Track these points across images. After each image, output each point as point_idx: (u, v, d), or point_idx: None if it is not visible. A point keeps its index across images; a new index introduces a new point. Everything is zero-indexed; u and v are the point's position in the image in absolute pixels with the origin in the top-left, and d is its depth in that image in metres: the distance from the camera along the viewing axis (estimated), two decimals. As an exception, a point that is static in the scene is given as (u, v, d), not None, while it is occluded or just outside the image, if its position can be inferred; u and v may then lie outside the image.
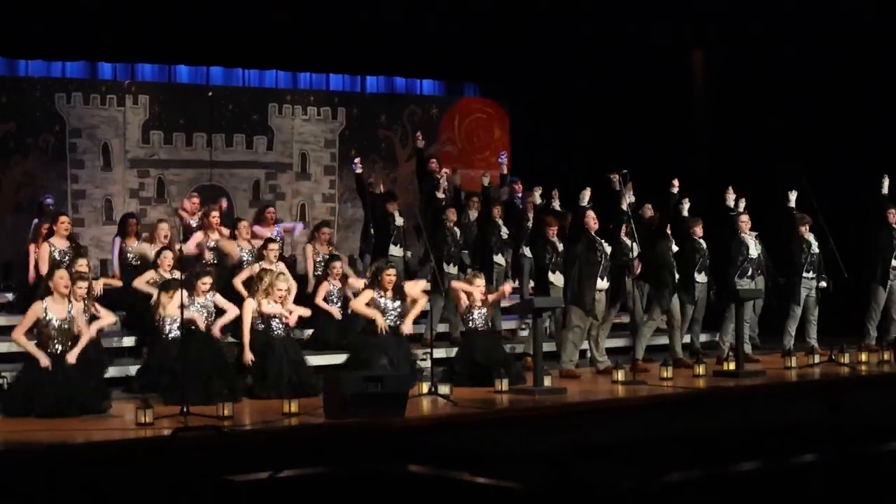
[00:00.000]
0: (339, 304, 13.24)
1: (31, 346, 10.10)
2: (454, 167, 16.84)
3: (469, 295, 12.43)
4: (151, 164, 17.01)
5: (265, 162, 17.81)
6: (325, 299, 13.16)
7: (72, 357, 10.14)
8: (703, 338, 14.80)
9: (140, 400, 9.78)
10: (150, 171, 17.01)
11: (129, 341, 12.61)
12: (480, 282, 12.60)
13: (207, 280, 11.37)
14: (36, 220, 14.08)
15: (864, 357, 13.76)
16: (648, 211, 14.72)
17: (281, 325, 11.55)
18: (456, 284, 12.86)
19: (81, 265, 11.53)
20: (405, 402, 10.09)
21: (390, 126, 18.70)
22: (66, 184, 16.35)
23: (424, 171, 15.45)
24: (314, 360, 12.22)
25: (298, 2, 15.82)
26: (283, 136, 17.92)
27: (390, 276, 12.00)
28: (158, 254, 12.53)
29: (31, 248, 13.10)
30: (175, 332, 10.98)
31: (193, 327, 11.02)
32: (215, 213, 13.96)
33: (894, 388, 12.97)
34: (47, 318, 10.08)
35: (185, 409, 9.69)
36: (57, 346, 10.12)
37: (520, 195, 15.81)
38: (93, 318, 10.85)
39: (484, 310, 12.47)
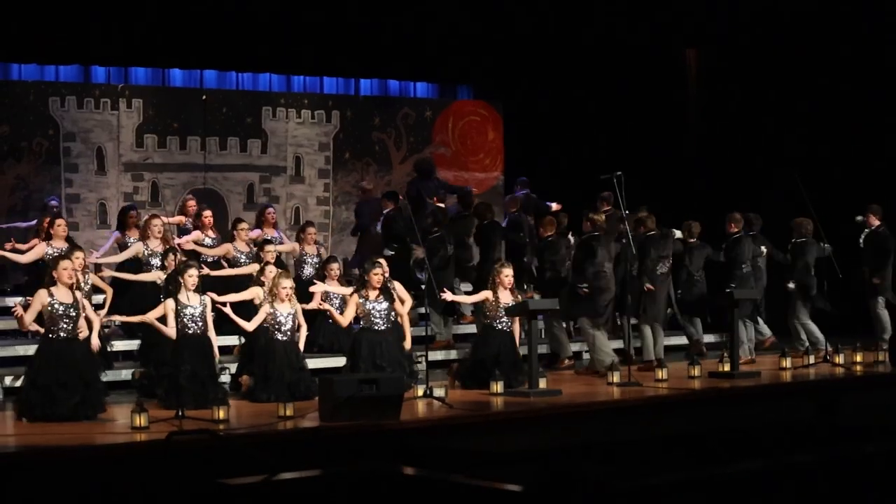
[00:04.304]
0: (338, 304, 13.24)
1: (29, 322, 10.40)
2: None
3: (497, 289, 12.30)
4: (145, 168, 17.00)
5: (259, 165, 17.79)
6: (323, 300, 13.12)
7: (94, 343, 10.74)
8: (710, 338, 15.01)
9: (136, 403, 9.79)
10: (145, 174, 17.00)
11: (126, 345, 12.59)
12: (508, 271, 12.38)
13: (193, 273, 11.14)
14: (37, 221, 14.18)
15: (858, 357, 13.79)
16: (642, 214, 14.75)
17: (285, 330, 11.53)
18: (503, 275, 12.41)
19: (78, 257, 11.56)
20: (400, 405, 10.09)
21: (384, 129, 18.68)
22: (60, 188, 16.33)
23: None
24: (310, 363, 12.20)
25: (291, 5, 15.81)
26: (278, 140, 17.91)
27: (377, 275, 11.93)
28: (165, 255, 12.51)
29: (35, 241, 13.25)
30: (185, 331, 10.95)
31: (190, 331, 10.96)
32: (208, 213, 14.02)
33: (889, 388, 12.98)
34: (52, 304, 10.21)
35: (180, 413, 9.71)
36: (63, 330, 10.22)
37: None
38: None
39: (509, 301, 12.31)
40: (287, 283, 11.53)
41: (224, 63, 17.37)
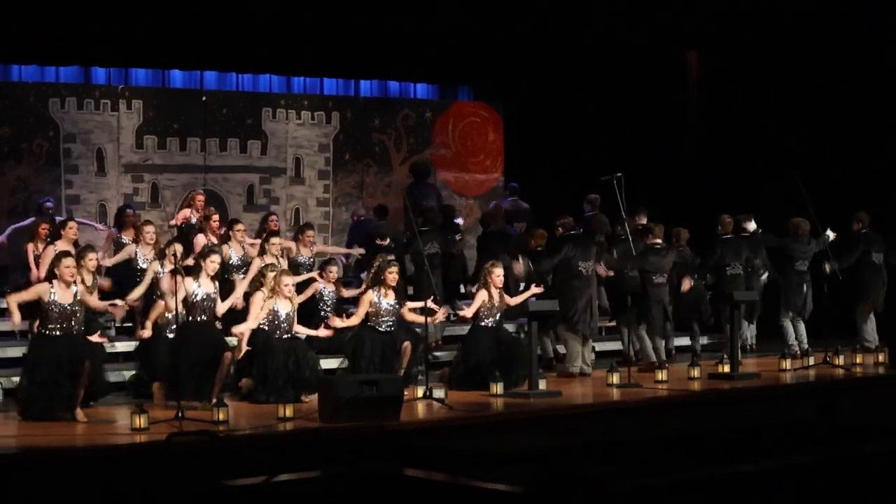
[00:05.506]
0: (332, 307, 13.21)
1: (15, 315, 10.27)
2: None
3: (489, 289, 12.26)
4: (145, 169, 17.01)
5: (259, 166, 17.79)
6: (316, 300, 13.06)
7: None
8: (703, 340, 15.00)
9: (135, 405, 9.79)
10: (145, 175, 17.00)
11: (126, 346, 12.59)
12: (499, 270, 12.37)
13: (216, 259, 11.11)
14: (33, 219, 14.17)
15: (858, 359, 13.80)
16: (642, 217, 14.76)
17: (284, 328, 11.49)
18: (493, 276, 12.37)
19: (92, 259, 11.58)
20: (400, 406, 10.09)
21: (384, 130, 18.68)
22: (60, 189, 16.33)
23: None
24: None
25: (291, 6, 15.81)
26: (278, 141, 17.91)
27: (393, 273, 11.91)
28: (167, 245, 12.50)
29: (30, 247, 13.17)
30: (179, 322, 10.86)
31: (190, 318, 10.89)
32: (216, 217, 14.02)
33: (888, 389, 12.98)
34: (52, 300, 10.17)
35: (180, 414, 9.71)
36: (57, 329, 10.18)
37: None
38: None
39: (497, 301, 12.29)
40: (288, 281, 11.51)
41: (224, 64, 17.39)
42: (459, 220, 16.01)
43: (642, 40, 17.48)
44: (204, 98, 17.32)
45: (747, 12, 16.77)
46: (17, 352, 12.22)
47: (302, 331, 11.77)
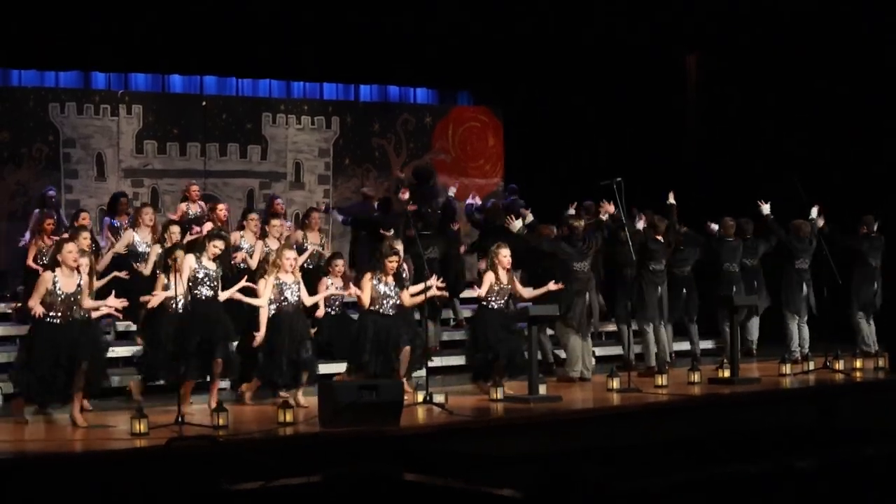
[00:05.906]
0: (338, 302, 13.20)
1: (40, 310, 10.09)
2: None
3: (497, 270, 12.24)
4: (145, 174, 17.01)
5: (259, 171, 17.80)
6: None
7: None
8: (703, 345, 14.97)
9: (135, 409, 9.78)
10: (144, 180, 17.00)
11: (126, 350, 12.58)
12: (506, 251, 12.25)
13: (219, 244, 11.15)
14: (37, 211, 14.18)
15: (858, 363, 13.79)
16: (641, 220, 14.73)
17: (293, 299, 11.44)
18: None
19: (86, 238, 11.54)
20: (400, 411, 10.08)
21: (384, 134, 18.69)
22: (60, 193, 16.31)
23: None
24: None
25: (291, 11, 15.82)
26: (277, 146, 17.92)
27: (392, 263, 11.91)
28: (165, 228, 12.50)
29: (32, 247, 13.16)
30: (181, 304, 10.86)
31: (201, 295, 10.95)
32: (222, 207, 14.02)
33: (888, 393, 12.97)
34: (56, 288, 10.09)
35: (180, 419, 9.71)
36: (58, 317, 10.11)
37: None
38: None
39: (505, 283, 12.23)
40: (290, 255, 11.47)
41: (224, 69, 17.39)
42: (452, 191, 16.05)
43: (642, 41, 17.47)
44: (204, 103, 17.34)
45: (747, 13, 16.75)
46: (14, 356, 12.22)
47: (313, 300, 11.84)
